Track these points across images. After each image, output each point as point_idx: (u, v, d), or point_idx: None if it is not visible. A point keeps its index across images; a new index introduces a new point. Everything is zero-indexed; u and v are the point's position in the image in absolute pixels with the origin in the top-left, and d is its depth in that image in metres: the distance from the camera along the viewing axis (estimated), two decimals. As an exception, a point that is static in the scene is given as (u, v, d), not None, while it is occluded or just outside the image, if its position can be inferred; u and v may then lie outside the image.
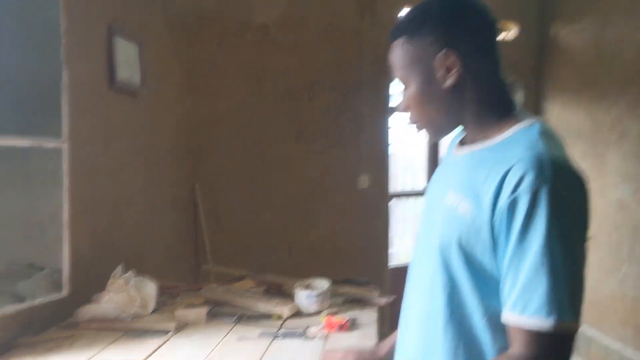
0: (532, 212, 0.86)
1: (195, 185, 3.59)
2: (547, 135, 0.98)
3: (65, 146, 1.97)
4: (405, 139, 5.29)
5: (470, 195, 0.96)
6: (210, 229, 3.59)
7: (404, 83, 1.07)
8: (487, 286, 0.95)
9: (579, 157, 4.04)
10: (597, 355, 3.89)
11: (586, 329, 3.98)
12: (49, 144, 1.93)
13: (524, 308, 0.87)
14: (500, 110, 1.04)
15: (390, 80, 3.99)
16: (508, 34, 4.46)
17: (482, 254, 0.94)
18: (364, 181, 4.04)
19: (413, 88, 1.05)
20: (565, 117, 4.30)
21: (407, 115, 1.10)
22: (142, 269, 2.54)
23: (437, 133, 1.10)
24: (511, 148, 0.95)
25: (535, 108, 4.60)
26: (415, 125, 1.10)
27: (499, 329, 0.94)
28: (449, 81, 1.01)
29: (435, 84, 1.02)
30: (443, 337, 1.00)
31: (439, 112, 1.05)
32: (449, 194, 1.02)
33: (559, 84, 4.38)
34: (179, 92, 3.49)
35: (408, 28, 1.04)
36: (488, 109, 1.04)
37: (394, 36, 1.07)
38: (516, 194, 0.88)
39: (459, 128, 1.10)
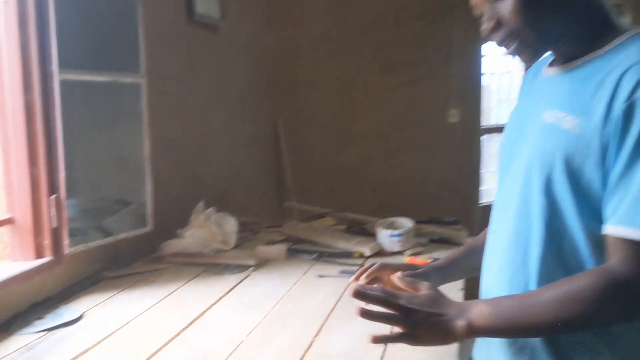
0: None
1: (277, 122, 3.54)
2: None
3: (143, 81, 1.95)
4: (499, 69, 4.96)
5: (577, 110, 0.89)
6: (292, 167, 3.56)
7: None
8: (590, 208, 0.89)
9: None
10: None
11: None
12: (127, 79, 1.92)
13: (635, 220, 0.82)
14: (603, 21, 0.96)
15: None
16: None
17: (591, 169, 0.87)
18: (453, 115, 3.83)
19: None
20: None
21: (500, 31, 0.96)
22: (225, 205, 2.56)
23: (535, 50, 0.97)
24: (623, 55, 0.88)
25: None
26: (510, 43, 0.97)
27: (600, 253, 0.89)
28: None
29: None
30: (540, 264, 0.94)
31: (543, 20, 0.94)
32: (546, 113, 0.95)
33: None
34: (259, 25, 3.40)
35: None
36: (591, 18, 0.96)
37: None
38: (633, 98, 0.82)
39: (552, 47, 1.00)
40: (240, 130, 3.10)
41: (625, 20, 4.11)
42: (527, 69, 1.23)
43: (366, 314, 0.88)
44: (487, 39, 0.99)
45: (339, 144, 3.71)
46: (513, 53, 0.98)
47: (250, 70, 3.29)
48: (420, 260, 1.80)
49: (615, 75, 0.86)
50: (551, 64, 1.05)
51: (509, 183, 1.05)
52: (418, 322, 0.88)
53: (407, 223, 2.04)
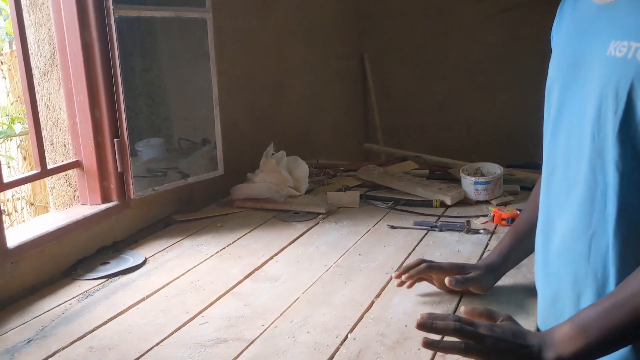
0: None
1: (364, 56, 3.34)
2: None
3: (209, 16, 1.84)
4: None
5: None
6: (380, 105, 3.37)
7: None
8: None
9: None
10: None
11: None
12: (192, 14, 1.81)
13: None
14: None
15: None
16: None
17: None
18: (560, 46, 3.43)
19: None
20: None
21: None
22: (307, 147, 2.46)
23: None
24: None
25: None
26: None
27: None
28: None
29: None
30: (614, 225, 0.81)
31: None
32: (612, 45, 0.81)
33: None
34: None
35: None
36: None
37: None
38: None
39: None
40: (322, 66, 2.95)
41: None
42: None
43: (432, 346, 0.80)
44: None
45: (430, 78, 3.46)
46: None
47: (333, 1, 3.09)
48: (506, 212, 1.60)
49: None
50: None
51: (570, 135, 0.90)
52: (498, 352, 0.79)
53: (495, 169, 1.83)
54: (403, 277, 1.13)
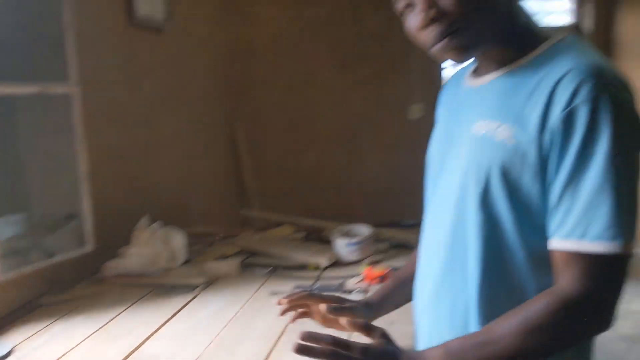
0: (594, 124, 0.77)
1: (235, 123, 3.41)
2: (589, 45, 0.89)
3: (75, 91, 1.81)
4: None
5: (510, 119, 0.85)
6: (252, 170, 3.44)
7: None
8: (531, 222, 0.85)
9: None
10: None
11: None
12: (57, 89, 1.78)
13: (585, 232, 0.78)
14: (528, 27, 0.93)
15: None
16: None
17: (530, 181, 0.83)
18: (416, 111, 3.75)
19: None
20: (643, 27, 3.82)
21: (440, 22, 0.87)
22: (180, 216, 2.43)
23: (470, 47, 0.90)
24: (554, 60, 0.85)
25: (606, 18, 4.10)
26: (446, 38, 0.88)
27: (542, 270, 0.85)
28: None
29: None
30: (479, 284, 0.89)
31: (483, 15, 0.88)
32: (477, 124, 0.91)
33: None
34: (211, 24, 3.26)
35: None
36: (519, 22, 0.92)
37: None
38: (573, 104, 0.78)
39: (483, 48, 0.92)
40: (195, 135, 2.97)
41: (586, 8, 4.08)
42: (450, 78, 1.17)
43: (305, 351, 0.79)
44: (418, 31, 0.89)
45: (300, 144, 3.60)
46: (446, 50, 0.89)
47: (204, 72, 3.15)
48: (378, 270, 1.70)
49: (548, 83, 0.82)
50: (474, 75, 1.00)
51: (441, 200, 0.99)
52: None
53: (364, 230, 1.94)
54: (284, 302, 1.12)
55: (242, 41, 3.45)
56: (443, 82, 3.83)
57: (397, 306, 1.22)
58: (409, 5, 0.90)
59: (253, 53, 3.48)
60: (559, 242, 0.80)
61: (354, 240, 1.87)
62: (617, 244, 0.77)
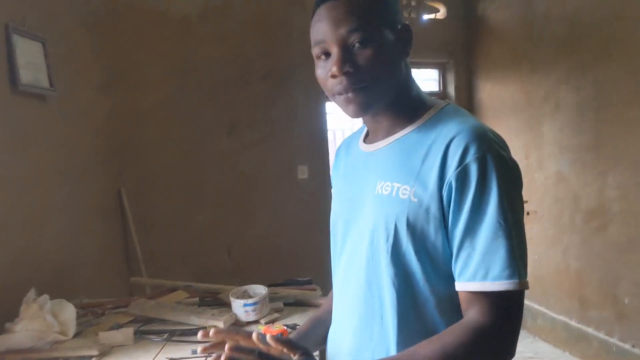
0: (484, 179, 0.89)
1: (121, 190, 3.36)
2: (466, 112, 1.03)
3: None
4: (343, 125, 5.20)
5: (410, 180, 0.96)
6: (141, 236, 3.38)
7: (366, 40, 0.97)
8: (437, 270, 0.95)
9: (515, 131, 4.06)
10: (543, 328, 3.93)
11: (532, 303, 4.01)
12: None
13: (486, 274, 0.88)
14: (417, 94, 1.07)
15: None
16: (437, 14, 4.42)
17: (434, 233, 0.93)
18: (302, 171, 3.92)
19: (381, 44, 0.98)
20: (498, 92, 4.31)
21: (352, 76, 0.97)
22: (68, 287, 2.35)
23: (372, 102, 1.01)
24: (441, 126, 0.97)
25: (467, 86, 4.59)
26: (352, 91, 0.98)
27: (451, 312, 0.94)
28: (408, 48, 1.04)
29: (395, 48, 1.01)
30: (397, 333, 0.98)
31: (391, 73, 1.00)
32: (379, 185, 1.01)
33: (490, 60, 4.38)
34: (97, 91, 3.25)
35: None
36: (411, 93, 1.06)
37: None
38: (465, 163, 0.89)
39: (381, 108, 1.04)
40: (81, 202, 2.89)
41: (449, 76, 4.54)
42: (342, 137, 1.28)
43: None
44: (328, 79, 0.99)
45: (190, 208, 3.61)
46: (348, 102, 0.99)
47: (89, 138, 3.11)
48: (275, 329, 1.75)
49: (440, 146, 0.93)
50: (366, 140, 1.11)
51: (350, 260, 1.07)
52: None
53: (260, 290, 2.00)
54: (211, 333, 1.03)
55: (129, 107, 3.44)
56: (326, 145, 4.05)
57: (316, 344, 1.25)
58: (325, 54, 0.99)
59: (140, 118, 3.48)
60: (464, 284, 0.90)
61: (251, 300, 1.92)
62: (514, 282, 0.88)
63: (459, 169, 0.90)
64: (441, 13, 4.43)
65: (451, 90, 4.61)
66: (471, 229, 0.90)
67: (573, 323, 3.67)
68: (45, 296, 1.87)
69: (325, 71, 1.00)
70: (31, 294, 1.86)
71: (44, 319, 1.81)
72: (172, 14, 3.49)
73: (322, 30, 0.98)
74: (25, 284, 1.94)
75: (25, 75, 2.36)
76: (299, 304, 2.09)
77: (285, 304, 2.09)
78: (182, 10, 3.51)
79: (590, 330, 3.53)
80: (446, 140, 0.93)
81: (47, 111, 2.60)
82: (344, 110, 1.02)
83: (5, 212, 2.18)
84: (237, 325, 1.91)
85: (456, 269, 0.93)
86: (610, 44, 3.23)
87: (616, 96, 3.22)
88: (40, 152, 2.50)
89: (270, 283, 2.28)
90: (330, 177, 3.91)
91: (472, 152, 0.90)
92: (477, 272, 0.89)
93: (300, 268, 3.30)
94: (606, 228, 3.37)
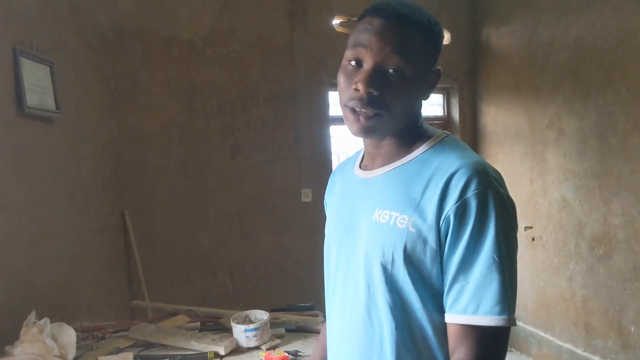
0: (483, 214, 0.90)
1: (124, 212, 3.36)
2: (466, 145, 1.04)
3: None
4: (347, 148, 5.21)
5: (408, 209, 0.96)
6: (143, 259, 3.37)
7: (400, 70, 0.97)
8: (433, 300, 0.95)
9: (520, 156, 4.06)
10: (548, 356, 3.88)
11: (538, 330, 3.97)
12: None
13: (477, 308, 0.89)
14: (417, 124, 1.07)
15: (326, 88, 3.90)
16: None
17: (430, 262, 0.94)
18: (306, 195, 3.92)
19: (411, 79, 0.99)
20: (502, 118, 4.32)
21: (373, 100, 0.98)
22: (69, 309, 2.33)
23: (382, 128, 1.02)
24: (441, 158, 0.98)
25: (471, 111, 4.61)
26: (368, 115, 0.99)
27: (445, 341, 0.95)
28: (429, 93, 1.06)
29: (420, 88, 1.03)
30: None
31: (408, 109, 1.02)
32: (376, 213, 1.01)
33: (493, 86, 4.40)
34: (102, 113, 3.27)
35: (428, 30, 1.01)
36: (416, 125, 1.07)
37: (414, 25, 0.99)
38: (465, 197, 0.90)
39: (389, 134, 1.05)
40: (83, 225, 2.89)
41: (453, 101, 4.56)
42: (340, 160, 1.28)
43: None
44: (348, 92, 0.99)
45: (192, 229, 3.60)
46: (359, 122, 0.99)
47: (94, 160, 3.12)
48: (276, 355, 1.74)
49: (440, 179, 0.94)
50: (363, 166, 1.12)
51: (346, 284, 1.06)
52: None
53: (261, 315, 1.99)
54: None
55: (134, 129, 3.46)
56: (330, 169, 4.05)
57: None
58: (357, 62, 0.99)
59: (144, 140, 3.49)
60: (455, 317, 0.91)
61: (252, 326, 1.90)
62: (504, 318, 0.88)
63: (459, 203, 0.91)
64: (446, 39, 4.46)
65: (455, 114, 4.62)
66: (466, 262, 0.91)
67: (579, 351, 3.62)
68: (46, 319, 1.86)
69: (350, 80, 0.99)
70: (31, 317, 1.85)
71: (43, 342, 1.79)
72: (178, 37, 3.52)
73: (368, 38, 0.98)
74: (26, 306, 1.93)
75: (32, 98, 2.38)
76: (301, 330, 2.08)
77: (287, 330, 2.07)
78: (188, 33, 3.55)
79: (596, 358, 3.48)
80: (447, 174, 0.94)
81: (53, 133, 2.62)
82: (348, 125, 1.02)
83: (8, 233, 2.18)
84: (238, 351, 1.89)
85: (448, 300, 0.93)
86: (614, 71, 3.25)
87: (620, 123, 3.22)
88: (44, 173, 2.50)
89: (272, 308, 2.26)
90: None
91: (472, 187, 0.91)
92: (468, 306, 0.90)
93: (302, 292, 3.29)
94: (611, 256, 3.34)
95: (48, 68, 2.54)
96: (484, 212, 0.90)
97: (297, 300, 2.45)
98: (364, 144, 1.12)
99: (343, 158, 5.31)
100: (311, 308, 2.28)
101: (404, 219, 0.96)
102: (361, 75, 0.97)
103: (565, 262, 3.71)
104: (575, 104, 3.55)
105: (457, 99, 4.60)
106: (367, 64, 0.97)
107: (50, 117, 2.57)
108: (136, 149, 3.46)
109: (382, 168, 1.05)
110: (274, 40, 3.79)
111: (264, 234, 3.77)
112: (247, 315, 2.00)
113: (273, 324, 2.06)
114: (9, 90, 2.27)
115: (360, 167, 1.14)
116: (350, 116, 1.00)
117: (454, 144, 1.02)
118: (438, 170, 0.95)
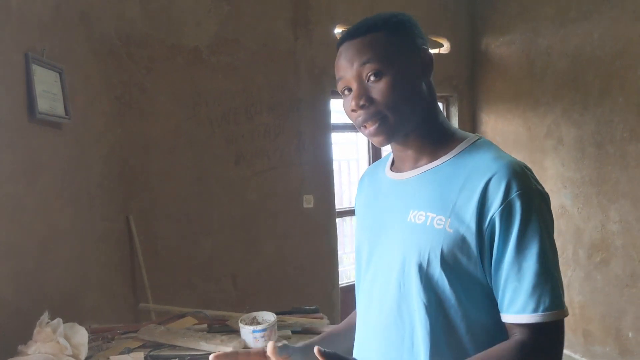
0: (527, 214, 0.92)
1: (129, 217, 3.40)
2: (498, 147, 1.06)
3: (-23, 186, 1.80)
4: (348, 155, 5.27)
5: (445, 211, 0.97)
6: (148, 263, 3.41)
7: (379, 73, 1.03)
8: (470, 298, 0.97)
9: (518, 166, 4.11)
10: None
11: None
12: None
13: (537, 306, 0.92)
14: (443, 126, 1.09)
15: (328, 96, 3.96)
16: (441, 49, 4.52)
17: (468, 262, 0.95)
18: (308, 201, 3.96)
19: (394, 75, 1.03)
20: (501, 127, 4.38)
21: (368, 109, 1.03)
22: (76, 312, 2.37)
23: (392, 132, 1.05)
24: (476, 160, 1.00)
25: (471, 120, 4.67)
26: (372, 123, 1.04)
27: (481, 338, 0.97)
28: (428, 72, 1.08)
29: (414, 73, 1.05)
30: (430, 357, 0.99)
31: (410, 100, 1.04)
32: (411, 214, 1.02)
33: (493, 95, 4.46)
34: (109, 119, 3.32)
35: (386, 26, 1.04)
36: (437, 120, 1.09)
37: (370, 30, 1.04)
38: (509, 199, 0.92)
39: (405, 137, 1.08)
40: (90, 229, 2.93)
41: (452, 110, 4.62)
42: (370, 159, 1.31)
43: None
44: (351, 112, 1.06)
45: (197, 236, 3.64)
46: (372, 133, 1.04)
47: (100, 165, 3.16)
48: (282, 356, 1.77)
49: (477, 182, 0.96)
50: (394, 168, 1.14)
51: (376, 283, 1.08)
52: None
53: (269, 317, 2.02)
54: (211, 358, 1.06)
55: (139, 135, 3.50)
56: (332, 175, 4.10)
57: None
58: (348, 89, 1.05)
59: (149, 146, 3.53)
60: (515, 316, 0.94)
61: (260, 327, 1.94)
62: (561, 311, 0.93)
63: (503, 205, 0.93)
64: (445, 48, 4.53)
65: (454, 123, 4.68)
66: (517, 262, 0.93)
67: (577, 357, 3.66)
68: (59, 319, 1.90)
69: (349, 105, 1.05)
70: (44, 316, 1.89)
71: (57, 342, 1.83)
72: (183, 45, 3.58)
73: (342, 66, 1.05)
74: (35, 307, 1.97)
75: (43, 104, 2.43)
76: (307, 332, 2.11)
77: (293, 332, 2.11)
78: (193, 42, 3.60)
79: (594, 364, 3.52)
80: (485, 177, 0.96)
81: (62, 139, 2.66)
82: (371, 140, 1.08)
83: (20, 236, 2.22)
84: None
85: (504, 301, 0.96)
86: (611, 81, 3.31)
87: (617, 132, 3.28)
88: (52, 178, 2.55)
89: (277, 312, 2.30)
90: (334, 207, 3.94)
91: (514, 189, 0.93)
92: (526, 305, 0.93)
93: (305, 297, 3.33)
94: (609, 262, 3.39)
95: (58, 74, 2.59)
96: (528, 211, 0.92)
97: (300, 305, 2.49)
98: (392, 150, 1.16)
99: (344, 166, 5.38)
100: (316, 311, 2.32)
101: (440, 219, 0.98)
102: (352, 97, 1.04)
103: (564, 269, 3.76)
104: (573, 113, 3.62)
105: (457, 108, 4.66)
106: (353, 85, 1.04)
107: (60, 123, 2.62)
108: (141, 155, 3.50)
109: (415, 170, 1.08)
110: (277, 48, 3.85)
111: (267, 239, 3.81)
112: (255, 316, 2.04)
113: (279, 326, 2.10)
114: (21, 96, 2.32)
115: (391, 169, 1.16)
116: (366, 133, 1.06)
117: (487, 145, 1.05)
118: (474, 172, 0.98)
